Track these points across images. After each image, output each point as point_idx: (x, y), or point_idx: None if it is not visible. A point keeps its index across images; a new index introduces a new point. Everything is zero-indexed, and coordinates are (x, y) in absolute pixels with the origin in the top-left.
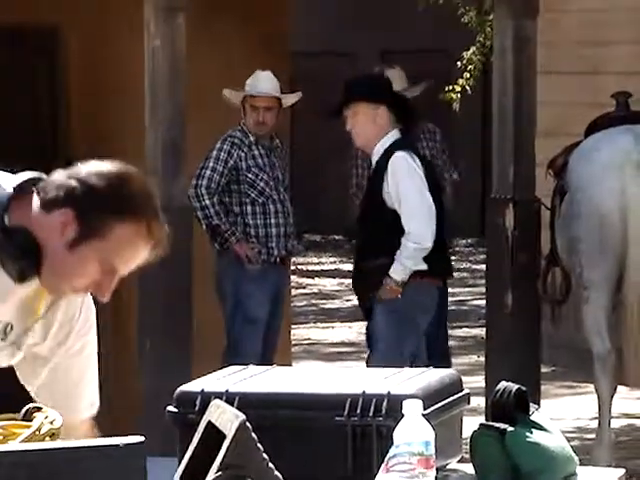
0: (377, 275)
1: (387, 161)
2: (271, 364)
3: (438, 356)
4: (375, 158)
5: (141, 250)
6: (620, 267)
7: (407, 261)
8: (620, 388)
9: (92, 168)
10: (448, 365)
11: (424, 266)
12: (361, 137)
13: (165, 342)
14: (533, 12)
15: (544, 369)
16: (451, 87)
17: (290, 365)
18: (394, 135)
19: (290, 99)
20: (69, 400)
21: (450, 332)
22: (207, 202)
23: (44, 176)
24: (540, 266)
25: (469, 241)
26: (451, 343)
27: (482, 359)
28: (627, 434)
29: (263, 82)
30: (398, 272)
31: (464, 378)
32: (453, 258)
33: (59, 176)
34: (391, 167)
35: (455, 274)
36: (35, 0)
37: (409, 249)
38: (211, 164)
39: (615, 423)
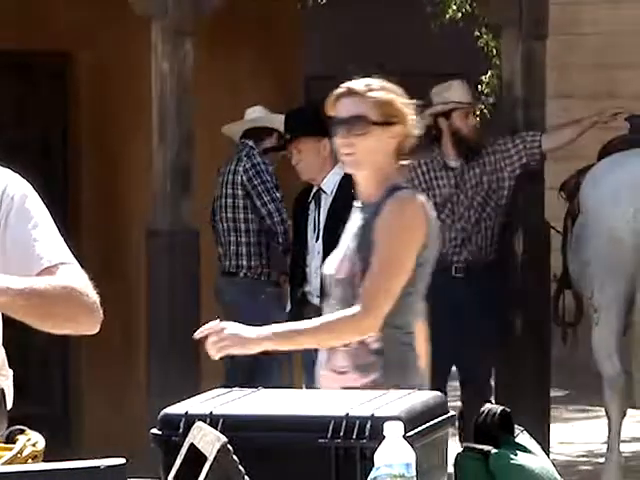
0: None
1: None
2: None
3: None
4: (329, 188)
5: None
6: (631, 289)
7: None
8: (634, 412)
9: None
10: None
11: None
12: (306, 172)
13: (172, 366)
14: (543, 35)
15: (558, 392)
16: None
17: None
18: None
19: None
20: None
21: None
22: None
23: None
24: (550, 289)
25: None
26: None
27: None
28: (639, 458)
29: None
30: None
31: None
32: None
33: None
34: None
35: None
36: (46, 26)
37: None
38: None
39: (627, 447)
